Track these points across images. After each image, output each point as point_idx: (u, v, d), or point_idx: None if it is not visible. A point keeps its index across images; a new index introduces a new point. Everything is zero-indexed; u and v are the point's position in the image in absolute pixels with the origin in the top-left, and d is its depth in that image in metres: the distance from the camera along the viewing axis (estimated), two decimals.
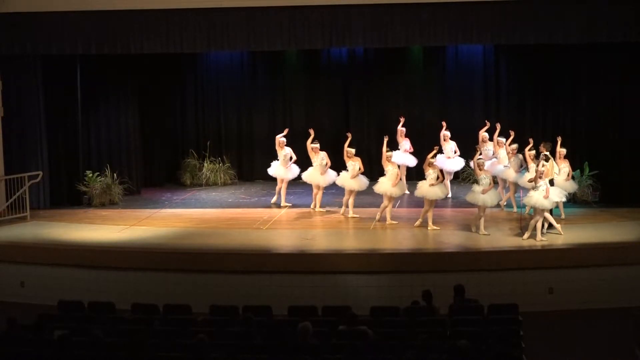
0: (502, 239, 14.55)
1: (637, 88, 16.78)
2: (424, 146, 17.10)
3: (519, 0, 15.76)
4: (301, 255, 14.19)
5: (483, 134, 16.95)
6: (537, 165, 14.41)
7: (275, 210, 16.99)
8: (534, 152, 15.33)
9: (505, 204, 16.44)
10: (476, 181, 14.99)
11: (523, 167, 15.76)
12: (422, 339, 9.41)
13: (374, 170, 17.30)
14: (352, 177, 15.90)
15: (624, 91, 16.97)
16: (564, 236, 14.43)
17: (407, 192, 17.13)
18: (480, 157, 15.44)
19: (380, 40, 16.40)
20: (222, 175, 19.98)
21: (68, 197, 18.06)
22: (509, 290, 13.13)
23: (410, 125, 18.12)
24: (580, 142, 18.00)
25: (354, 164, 15.91)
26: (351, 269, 13.75)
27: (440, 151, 17.18)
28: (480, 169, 14.81)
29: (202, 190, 19.40)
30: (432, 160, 15.37)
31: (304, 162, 17.04)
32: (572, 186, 15.80)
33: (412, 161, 17.72)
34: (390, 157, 15.68)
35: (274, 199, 17.43)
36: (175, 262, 14.10)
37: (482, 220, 14.71)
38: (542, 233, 14.22)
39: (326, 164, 16.47)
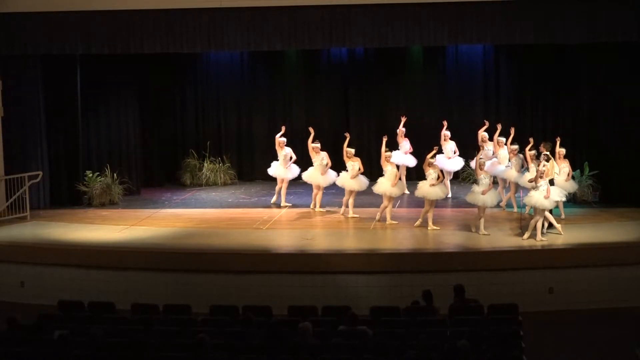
0: (502, 239, 14.55)
1: (637, 88, 16.78)
2: (424, 146, 17.09)
3: (519, 0, 15.77)
4: (301, 255, 14.18)
5: (482, 133, 16.94)
6: (538, 165, 14.41)
7: (275, 210, 16.99)
8: (534, 152, 15.33)
9: (505, 204, 16.44)
10: (476, 181, 14.99)
11: (524, 167, 15.76)
12: (422, 339, 9.40)
13: (373, 171, 17.29)
14: (352, 178, 15.89)
15: (624, 91, 16.97)
16: (564, 236, 14.43)
17: (406, 192, 17.15)
18: (481, 157, 15.44)
19: (380, 40, 16.41)
20: (222, 175, 19.99)
21: (68, 197, 18.05)
22: (509, 290, 13.12)
23: (410, 126, 18.10)
24: (580, 142, 18.02)
25: (354, 164, 15.90)
26: (351, 269, 13.74)
27: (440, 151, 17.18)
28: (480, 169, 14.81)
29: (202, 190, 19.41)
30: (431, 160, 15.37)
31: (304, 162, 17.05)
32: (572, 186, 15.80)
33: (412, 161, 17.71)
34: (389, 157, 15.68)
35: (273, 199, 17.43)
36: (175, 262, 14.10)
37: (482, 221, 14.71)
38: (542, 233, 14.22)
39: (326, 164, 16.47)
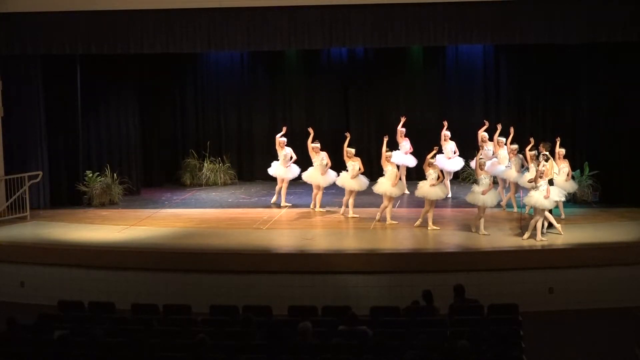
0: (502, 239, 14.55)
1: (637, 88, 16.77)
2: (424, 146, 17.09)
3: (519, 0, 15.77)
4: (301, 255, 14.18)
5: (482, 133, 16.95)
6: (538, 165, 14.42)
7: (275, 210, 16.99)
8: (534, 152, 15.33)
9: (505, 204, 16.44)
10: (476, 181, 14.99)
11: (524, 167, 15.76)
12: (422, 339, 9.40)
13: (374, 171, 17.30)
14: (352, 177, 15.90)
15: (624, 91, 16.96)
16: (564, 236, 14.43)
17: (407, 192, 17.15)
18: (481, 157, 15.45)
19: (380, 40, 16.40)
20: (222, 175, 19.99)
21: (68, 197, 18.04)
22: (509, 290, 13.12)
23: (410, 126, 18.11)
24: (580, 142, 18.02)
25: (354, 164, 15.91)
26: (351, 269, 13.74)
27: (440, 151, 17.18)
28: (480, 169, 14.81)
29: (202, 190, 19.40)
30: (431, 160, 15.37)
31: (304, 162, 17.05)
32: (572, 186, 15.80)
33: (412, 161, 17.72)
34: (390, 157, 15.68)
35: (273, 199, 17.43)
36: (175, 262, 14.10)
37: (482, 221, 14.71)
38: (542, 233, 14.22)
39: (326, 164, 16.47)
